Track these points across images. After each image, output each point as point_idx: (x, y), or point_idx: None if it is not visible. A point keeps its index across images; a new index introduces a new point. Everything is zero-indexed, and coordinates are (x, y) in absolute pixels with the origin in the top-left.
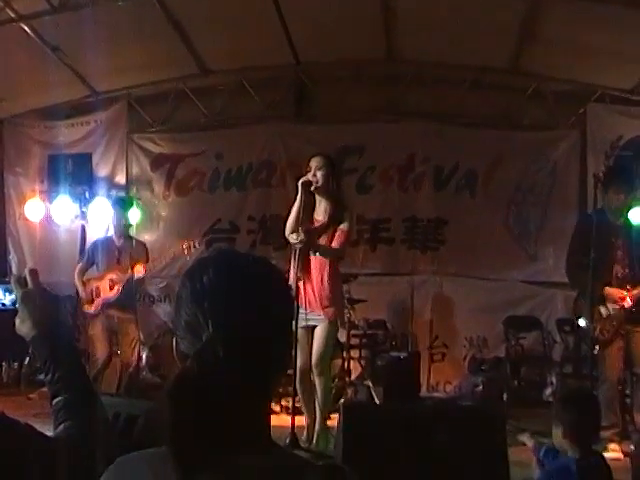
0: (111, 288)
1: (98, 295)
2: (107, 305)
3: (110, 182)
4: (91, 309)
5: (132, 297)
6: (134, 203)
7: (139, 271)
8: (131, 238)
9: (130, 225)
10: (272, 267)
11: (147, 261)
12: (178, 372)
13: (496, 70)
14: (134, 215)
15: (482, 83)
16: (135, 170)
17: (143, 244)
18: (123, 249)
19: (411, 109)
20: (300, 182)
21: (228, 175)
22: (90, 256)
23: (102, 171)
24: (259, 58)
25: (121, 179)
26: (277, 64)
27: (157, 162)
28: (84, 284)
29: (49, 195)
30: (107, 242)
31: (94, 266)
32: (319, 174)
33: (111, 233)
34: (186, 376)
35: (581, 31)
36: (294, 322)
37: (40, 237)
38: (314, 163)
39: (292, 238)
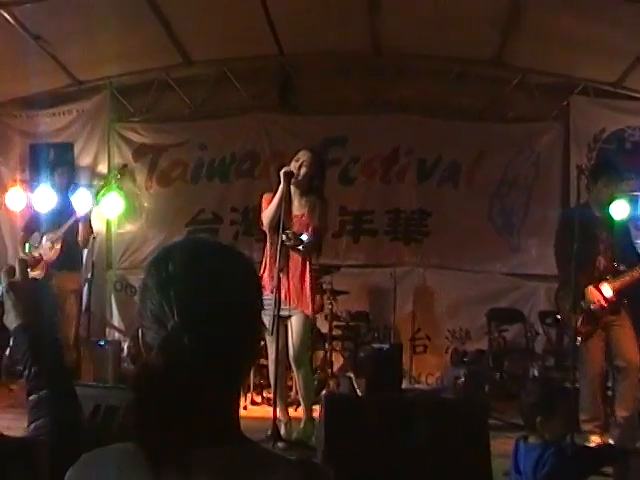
0: (50, 249)
1: (40, 260)
2: (51, 267)
3: (92, 172)
4: (36, 273)
5: (75, 258)
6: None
7: (84, 236)
8: (70, 202)
9: (74, 184)
10: (240, 255)
11: (89, 227)
12: (142, 363)
13: (480, 62)
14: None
15: (466, 75)
16: (117, 160)
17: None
18: (63, 212)
19: (395, 101)
20: (282, 172)
21: (211, 166)
22: (29, 226)
23: (84, 161)
24: (243, 48)
25: (103, 169)
26: (261, 54)
27: (139, 152)
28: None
29: (30, 184)
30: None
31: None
32: (304, 170)
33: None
34: (150, 366)
35: (566, 24)
36: (271, 312)
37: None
38: (304, 157)
39: (283, 237)
